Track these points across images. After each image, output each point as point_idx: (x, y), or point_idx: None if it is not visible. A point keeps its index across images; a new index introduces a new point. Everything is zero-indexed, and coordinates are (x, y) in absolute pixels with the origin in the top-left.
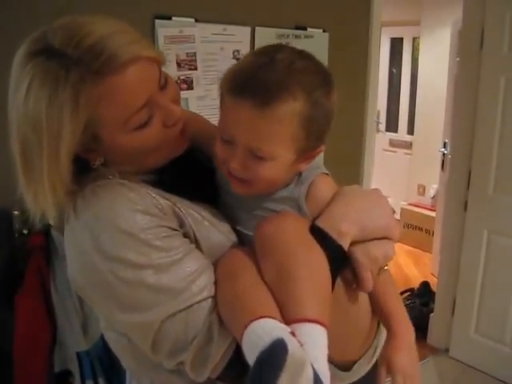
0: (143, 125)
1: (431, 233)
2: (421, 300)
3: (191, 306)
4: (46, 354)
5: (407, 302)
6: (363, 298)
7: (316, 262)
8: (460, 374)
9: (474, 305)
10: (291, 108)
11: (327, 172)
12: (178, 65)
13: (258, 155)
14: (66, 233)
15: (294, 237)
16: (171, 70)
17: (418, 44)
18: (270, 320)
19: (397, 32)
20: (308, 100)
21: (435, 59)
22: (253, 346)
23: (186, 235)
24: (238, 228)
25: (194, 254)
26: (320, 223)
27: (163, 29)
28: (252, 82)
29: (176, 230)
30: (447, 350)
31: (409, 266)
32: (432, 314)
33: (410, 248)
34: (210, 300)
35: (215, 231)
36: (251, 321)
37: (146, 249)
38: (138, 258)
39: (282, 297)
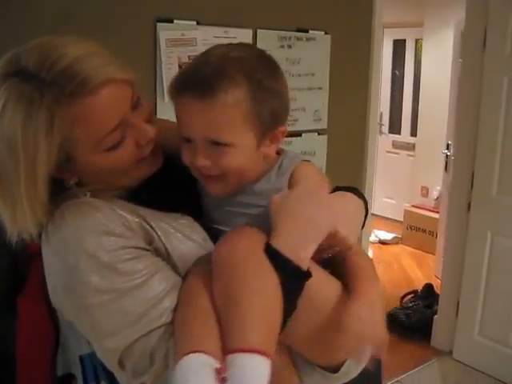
0: (116, 145)
1: (435, 234)
2: (424, 302)
3: (151, 331)
4: (49, 356)
5: (410, 304)
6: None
7: (264, 287)
8: (464, 376)
9: (477, 307)
10: (233, 92)
11: (308, 160)
12: (180, 68)
13: (218, 144)
14: (42, 254)
15: (244, 259)
16: (173, 73)
17: (421, 45)
18: (201, 355)
19: (399, 34)
20: (250, 82)
21: (438, 61)
22: (179, 382)
23: (157, 250)
24: (224, 229)
25: (159, 275)
26: (276, 245)
27: (165, 32)
28: (191, 78)
29: (143, 249)
30: (451, 352)
31: (412, 267)
32: (436, 316)
33: (414, 250)
34: (165, 327)
35: (188, 242)
36: (184, 354)
37: (109, 272)
38: (101, 282)
39: (226, 323)
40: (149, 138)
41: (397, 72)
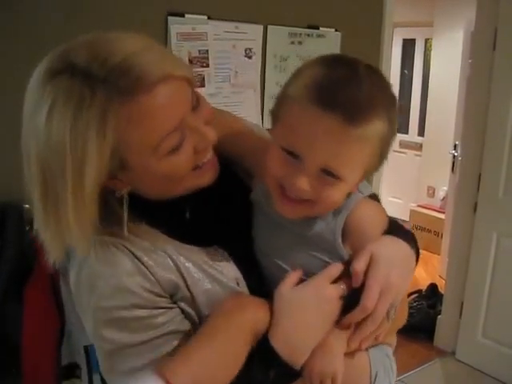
0: (173, 150)
1: (440, 235)
2: (428, 302)
3: None
4: (54, 346)
5: (414, 304)
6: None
7: (227, 349)
8: (466, 376)
9: (481, 308)
10: (376, 128)
11: (372, 192)
12: (190, 62)
13: (332, 175)
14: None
15: (229, 321)
16: None
17: (430, 45)
18: None
19: (409, 33)
20: (387, 120)
21: (447, 60)
22: None
23: (181, 298)
24: (272, 258)
25: (167, 337)
26: (274, 343)
27: (176, 26)
28: (343, 96)
29: (160, 308)
30: (454, 353)
31: (417, 267)
32: (439, 317)
33: None
34: None
35: (216, 285)
36: None
37: (116, 327)
38: (106, 333)
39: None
40: (208, 143)
41: (406, 71)
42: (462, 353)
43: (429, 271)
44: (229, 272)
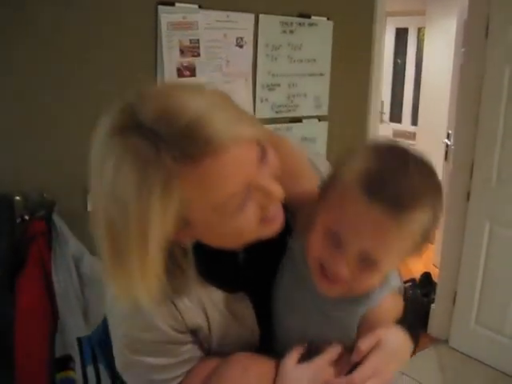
0: (237, 209)
1: None
2: (422, 290)
3: None
4: (47, 337)
5: (409, 293)
6: None
7: None
8: (460, 364)
9: (474, 296)
10: (421, 222)
11: (399, 285)
12: (181, 51)
13: (371, 263)
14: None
15: None
16: (174, 57)
17: (423, 34)
18: None
19: (402, 22)
20: (432, 210)
21: (440, 49)
22: None
23: (201, 335)
24: (286, 309)
25: (181, 364)
26: None
27: (166, 15)
28: (391, 190)
29: (182, 344)
30: (447, 341)
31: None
32: (433, 305)
33: None
34: None
35: (233, 332)
36: None
37: (139, 353)
38: (128, 354)
39: None
40: (274, 200)
41: (399, 60)
42: (456, 340)
43: (422, 260)
44: (248, 323)
